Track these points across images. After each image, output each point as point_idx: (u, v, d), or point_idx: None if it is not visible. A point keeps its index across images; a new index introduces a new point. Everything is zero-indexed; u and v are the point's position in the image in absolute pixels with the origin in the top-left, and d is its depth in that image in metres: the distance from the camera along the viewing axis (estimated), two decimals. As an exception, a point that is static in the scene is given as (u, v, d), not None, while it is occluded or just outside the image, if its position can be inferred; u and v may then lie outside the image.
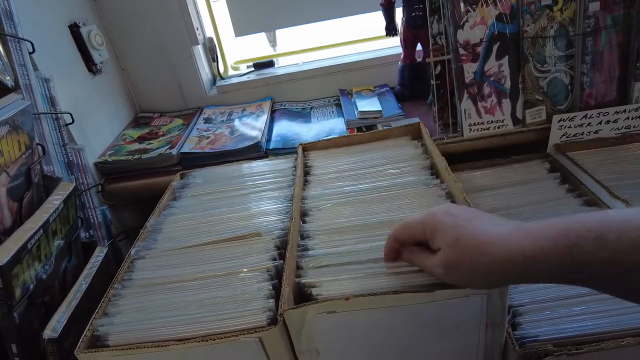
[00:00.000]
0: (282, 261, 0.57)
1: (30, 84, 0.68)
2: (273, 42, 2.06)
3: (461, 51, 0.83)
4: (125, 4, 1.09)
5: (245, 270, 0.57)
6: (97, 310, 0.55)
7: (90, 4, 1.06)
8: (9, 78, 0.63)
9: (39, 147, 0.65)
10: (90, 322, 0.53)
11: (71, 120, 0.80)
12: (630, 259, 0.30)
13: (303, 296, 0.52)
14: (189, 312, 0.53)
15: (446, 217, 0.40)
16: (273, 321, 0.49)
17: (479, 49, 0.83)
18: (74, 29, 0.96)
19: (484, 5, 0.81)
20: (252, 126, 1.07)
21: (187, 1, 1.11)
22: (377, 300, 0.46)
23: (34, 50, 0.72)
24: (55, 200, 0.63)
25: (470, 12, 0.82)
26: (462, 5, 0.81)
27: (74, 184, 0.68)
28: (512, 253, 0.35)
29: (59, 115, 0.76)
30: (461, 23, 0.82)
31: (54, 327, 0.58)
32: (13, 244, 0.54)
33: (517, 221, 0.38)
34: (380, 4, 1.05)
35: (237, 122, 1.11)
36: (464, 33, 0.82)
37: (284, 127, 1.08)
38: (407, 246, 0.47)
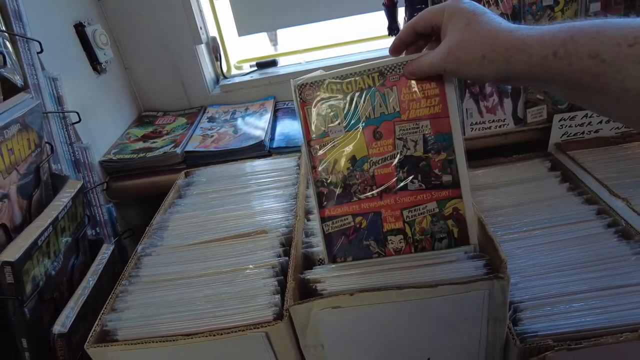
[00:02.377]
0: (287, 258, 0.58)
1: (38, 83, 0.69)
2: (274, 41, 2.07)
3: (463, 51, 0.84)
4: (130, 3, 1.10)
5: (251, 266, 0.58)
6: (105, 306, 0.56)
7: (95, 4, 1.07)
8: (18, 77, 0.64)
9: (48, 145, 0.66)
10: (99, 317, 0.54)
11: (78, 119, 0.81)
12: (615, 54, 0.32)
13: (308, 292, 0.53)
14: (195, 308, 0.54)
15: (467, 4, 0.42)
16: (279, 316, 0.50)
17: (481, 49, 0.84)
18: (79, 29, 0.97)
19: (486, 5, 0.82)
20: (255, 125, 1.08)
21: (191, 1, 1.12)
22: (381, 295, 0.48)
23: (42, 50, 0.73)
24: (64, 198, 0.64)
25: (472, 12, 0.82)
26: (464, 5, 0.82)
27: (82, 182, 0.69)
28: (514, 37, 0.38)
29: (65, 114, 0.77)
30: (463, 23, 0.83)
31: (63, 322, 0.59)
32: (23, 240, 0.55)
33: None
34: (383, 4, 1.05)
35: (240, 121, 1.12)
36: (466, 33, 0.83)
37: (287, 126, 1.09)
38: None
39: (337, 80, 0.50)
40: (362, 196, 0.51)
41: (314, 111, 0.51)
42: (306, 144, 0.51)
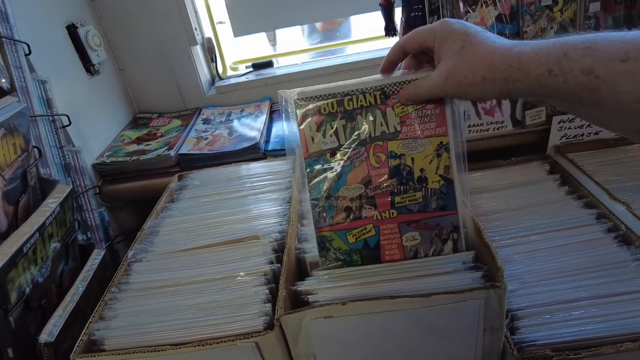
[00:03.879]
0: (279, 265, 0.57)
1: (26, 86, 0.68)
2: (273, 41, 2.06)
3: (460, 52, 0.83)
4: (124, 4, 1.09)
5: (242, 274, 0.57)
6: (93, 314, 0.55)
7: (88, 5, 1.06)
8: (4, 80, 0.62)
9: (35, 149, 0.65)
10: (86, 326, 0.53)
11: (68, 122, 0.79)
12: (607, 70, 0.32)
13: (299, 302, 0.52)
14: (185, 317, 0.53)
15: (458, 25, 0.42)
16: (270, 326, 0.49)
17: (479, 50, 0.83)
18: (72, 30, 0.95)
19: (484, 6, 0.81)
20: (250, 127, 1.07)
21: (186, 1, 1.11)
22: (374, 305, 0.46)
23: (30, 52, 0.71)
24: (51, 204, 0.62)
25: (469, 12, 0.81)
26: (461, 5, 0.81)
27: (71, 186, 0.68)
28: (510, 57, 0.38)
29: (55, 117, 0.76)
30: (460, 24, 0.81)
31: (50, 331, 0.58)
32: (8, 248, 0.53)
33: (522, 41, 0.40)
34: (379, 4, 1.04)
35: (235, 123, 1.11)
36: (463, 34, 0.82)
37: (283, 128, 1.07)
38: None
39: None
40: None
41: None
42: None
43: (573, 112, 0.40)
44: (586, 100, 0.34)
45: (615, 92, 0.32)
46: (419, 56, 0.48)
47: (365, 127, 0.49)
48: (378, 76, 0.49)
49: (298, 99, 0.50)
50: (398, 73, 0.49)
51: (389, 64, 0.49)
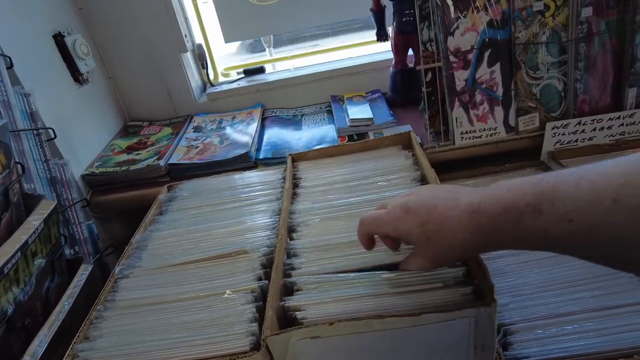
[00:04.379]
0: (267, 281, 0.56)
1: (8, 100, 0.67)
2: (269, 44, 2.04)
3: (452, 58, 0.82)
4: (112, 11, 1.07)
5: (228, 291, 0.56)
6: (78, 334, 0.54)
7: (76, 13, 1.05)
8: (-15, 95, 0.61)
9: (18, 165, 0.64)
10: (70, 346, 0.52)
11: (53, 136, 0.78)
12: (560, 229, 0.32)
13: (288, 319, 0.50)
14: (171, 336, 0.52)
15: (412, 219, 0.42)
16: (256, 346, 0.48)
17: (470, 56, 0.82)
18: (59, 39, 0.94)
19: (475, 12, 0.80)
20: (242, 134, 1.06)
21: (175, 8, 1.10)
22: (362, 324, 0.45)
23: (12, 65, 0.70)
24: (34, 221, 0.61)
25: (460, 18, 0.80)
26: (452, 11, 0.80)
27: (55, 202, 0.66)
28: (473, 229, 0.38)
29: (41, 130, 0.74)
30: (451, 30, 0.80)
31: (34, 351, 0.57)
32: (-12, 269, 0.52)
33: (468, 192, 0.40)
34: (371, 10, 1.03)
35: (227, 130, 1.09)
36: (455, 40, 0.81)
37: (275, 135, 1.06)
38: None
39: None
40: None
41: None
42: None
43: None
44: (555, 249, 0.35)
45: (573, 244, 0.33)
46: None
47: None
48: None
49: None
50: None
51: (365, 245, 0.49)
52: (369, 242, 0.49)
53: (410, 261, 0.47)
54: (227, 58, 1.36)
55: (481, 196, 0.38)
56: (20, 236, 0.57)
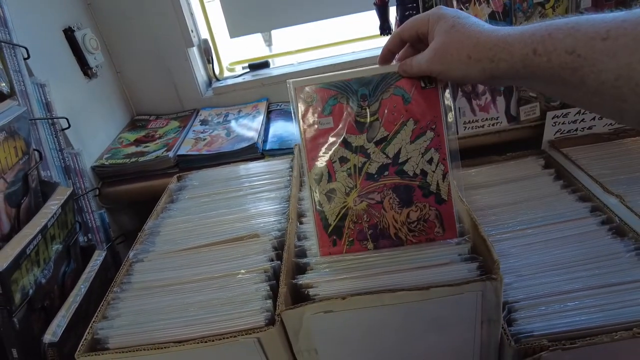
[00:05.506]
0: (279, 262, 0.58)
1: (25, 90, 0.68)
2: (268, 41, 2.06)
3: (455, 50, 0.84)
4: (120, 7, 1.09)
5: (242, 271, 0.57)
6: (96, 314, 0.56)
7: (85, 8, 1.06)
8: (4, 84, 0.63)
9: (36, 152, 0.66)
10: (90, 325, 0.54)
11: (67, 125, 0.80)
12: (589, 49, 0.33)
13: (300, 295, 0.52)
14: (187, 314, 0.54)
15: (450, 10, 0.44)
16: (271, 322, 0.50)
17: (473, 47, 0.84)
18: (69, 33, 0.96)
19: (477, 4, 0.82)
20: (248, 127, 1.07)
21: (182, 3, 1.11)
22: (374, 298, 0.47)
23: (28, 56, 0.72)
24: (52, 206, 0.63)
25: (462, 10, 0.82)
26: (455, 3, 0.82)
27: (72, 188, 0.68)
28: (496, 37, 0.39)
29: (55, 120, 0.76)
30: (454, 22, 0.82)
31: (54, 331, 0.58)
32: (11, 249, 0.54)
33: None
34: (374, 4, 1.05)
35: (233, 124, 1.11)
36: (457, 31, 0.83)
37: (280, 128, 1.08)
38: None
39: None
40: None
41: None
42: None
43: (556, 93, 0.41)
44: (569, 79, 0.35)
45: (596, 70, 0.33)
46: (415, 46, 0.49)
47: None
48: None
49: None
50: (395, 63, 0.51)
51: (388, 52, 0.50)
52: (395, 46, 0.50)
53: (414, 58, 0.47)
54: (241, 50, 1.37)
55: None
56: (40, 220, 0.59)
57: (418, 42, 0.48)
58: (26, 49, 0.72)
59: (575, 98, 0.38)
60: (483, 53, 0.40)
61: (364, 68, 0.51)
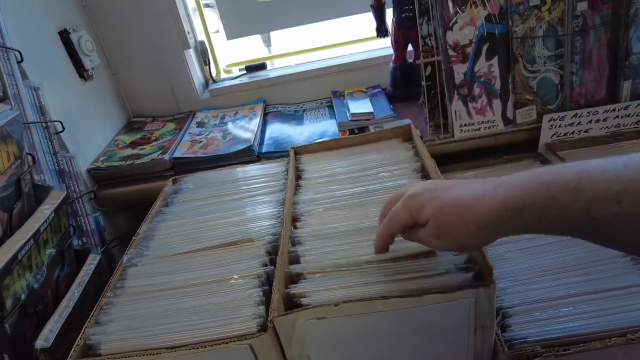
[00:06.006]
0: (273, 267, 0.57)
1: (19, 93, 0.68)
2: (267, 42, 2.06)
3: (451, 52, 0.83)
4: (116, 9, 1.09)
5: (235, 277, 0.57)
6: (89, 319, 0.55)
7: (80, 10, 1.06)
8: (-3, 88, 0.63)
9: (29, 156, 0.65)
10: (82, 330, 0.54)
11: (62, 129, 0.80)
12: (604, 212, 0.31)
13: (293, 306, 0.52)
14: (180, 320, 0.53)
15: (426, 193, 0.42)
16: (263, 328, 0.49)
17: (469, 50, 0.83)
18: (64, 36, 0.96)
19: (473, 6, 0.81)
20: (244, 129, 1.07)
21: (178, 5, 1.11)
22: (366, 305, 0.47)
23: (22, 60, 0.72)
24: (45, 210, 0.63)
25: (459, 13, 0.82)
26: (451, 6, 0.82)
27: (65, 192, 0.68)
28: (496, 205, 0.36)
29: (49, 123, 0.76)
30: (450, 24, 0.82)
31: (47, 336, 0.58)
32: (3, 255, 0.54)
33: (493, 179, 0.39)
34: (371, 6, 1.05)
35: (229, 126, 1.11)
36: (453, 34, 0.83)
37: (277, 130, 1.08)
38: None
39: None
40: None
41: None
42: None
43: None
44: (590, 233, 0.34)
45: (618, 228, 0.31)
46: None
47: None
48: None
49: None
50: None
51: (382, 248, 0.49)
52: (386, 245, 0.49)
53: (422, 238, 0.45)
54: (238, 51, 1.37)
55: (507, 177, 0.37)
56: (33, 224, 0.59)
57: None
58: (19, 52, 0.71)
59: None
60: (490, 222, 0.37)
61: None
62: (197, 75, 1.23)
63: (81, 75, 1.01)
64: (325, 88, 1.20)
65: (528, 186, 0.35)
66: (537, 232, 0.36)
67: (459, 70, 0.85)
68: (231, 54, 1.36)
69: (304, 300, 0.50)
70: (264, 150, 0.99)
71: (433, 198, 0.41)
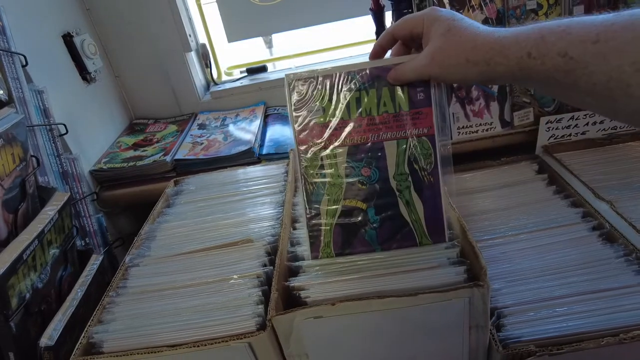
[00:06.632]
0: (272, 267, 0.58)
1: (23, 97, 0.70)
2: (269, 44, 2.07)
3: (449, 55, 0.84)
4: (118, 12, 1.10)
5: (235, 277, 0.58)
6: (92, 318, 0.57)
7: (83, 14, 1.08)
8: (2, 92, 0.64)
9: (34, 158, 0.67)
10: (85, 329, 0.55)
11: (65, 131, 0.81)
12: (580, 50, 0.34)
13: (293, 299, 0.53)
14: (181, 319, 0.55)
15: (445, 12, 0.45)
16: (262, 327, 0.51)
17: (466, 53, 0.84)
18: (67, 39, 0.97)
19: (470, 10, 0.82)
20: (245, 131, 1.08)
21: (180, 8, 1.12)
22: (363, 304, 0.48)
23: (27, 64, 0.73)
24: (50, 211, 0.64)
25: (457, 16, 0.83)
26: (448, 8, 0.82)
27: (69, 193, 0.69)
28: (492, 40, 0.40)
29: (53, 126, 0.77)
30: (448, 28, 0.83)
31: (51, 335, 0.59)
32: (8, 255, 0.55)
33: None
34: (370, 9, 1.05)
35: (230, 128, 1.12)
36: (451, 38, 0.84)
37: (277, 132, 1.09)
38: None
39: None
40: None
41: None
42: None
43: (551, 94, 0.43)
44: (563, 81, 0.36)
45: (588, 72, 0.34)
46: (407, 44, 0.50)
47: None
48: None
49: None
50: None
51: (380, 48, 0.51)
52: (387, 43, 0.50)
53: (408, 63, 0.47)
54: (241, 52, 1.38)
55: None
56: (37, 225, 0.60)
57: (410, 41, 0.49)
58: (24, 56, 0.73)
59: (571, 98, 0.39)
60: (480, 56, 0.40)
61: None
62: (198, 78, 1.24)
63: (84, 78, 1.02)
64: (325, 90, 1.21)
65: (523, 28, 0.39)
66: (517, 72, 0.39)
67: (457, 73, 0.85)
68: (232, 56, 1.37)
69: (302, 294, 0.51)
70: (264, 152, 1.01)
71: (449, 18, 0.43)
